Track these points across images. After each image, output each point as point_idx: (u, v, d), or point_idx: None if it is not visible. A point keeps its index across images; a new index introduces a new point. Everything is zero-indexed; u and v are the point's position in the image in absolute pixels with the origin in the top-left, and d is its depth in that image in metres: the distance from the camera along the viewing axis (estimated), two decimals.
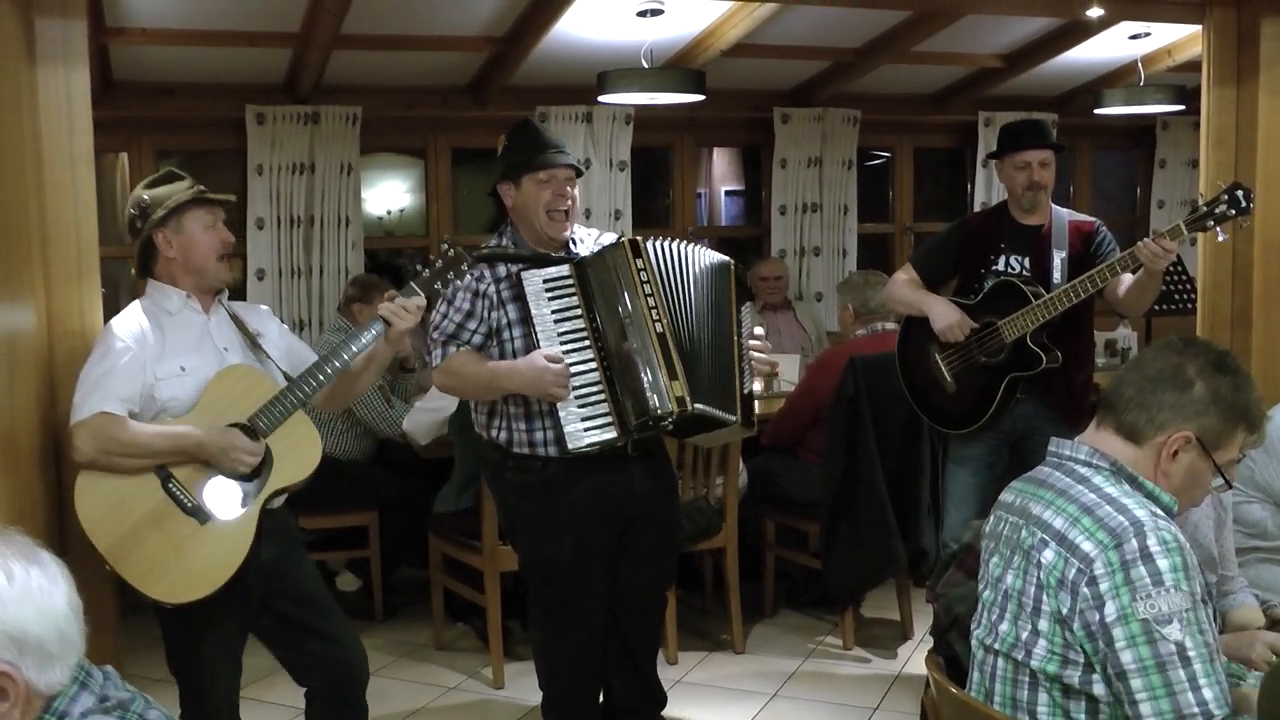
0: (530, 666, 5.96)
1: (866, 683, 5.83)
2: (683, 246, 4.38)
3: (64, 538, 4.15)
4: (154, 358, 3.89)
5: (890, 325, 6.40)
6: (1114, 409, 2.82)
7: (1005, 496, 3.01)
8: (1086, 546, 2.62)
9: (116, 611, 4.39)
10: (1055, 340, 5.22)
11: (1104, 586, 2.57)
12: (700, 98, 6.75)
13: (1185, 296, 8.09)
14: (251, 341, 4.07)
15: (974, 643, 2.95)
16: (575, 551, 4.37)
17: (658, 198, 9.95)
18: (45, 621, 2.07)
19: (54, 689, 2.10)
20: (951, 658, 3.25)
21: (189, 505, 3.85)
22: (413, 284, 4.04)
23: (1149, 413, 2.76)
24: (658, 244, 4.32)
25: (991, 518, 3.03)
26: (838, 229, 9.30)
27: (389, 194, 12.48)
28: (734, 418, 4.31)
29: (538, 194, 4.31)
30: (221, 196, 4.09)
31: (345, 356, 3.95)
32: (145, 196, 3.98)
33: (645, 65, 6.72)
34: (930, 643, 3.45)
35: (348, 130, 7.83)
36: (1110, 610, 2.56)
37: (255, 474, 3.88)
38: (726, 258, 4.47)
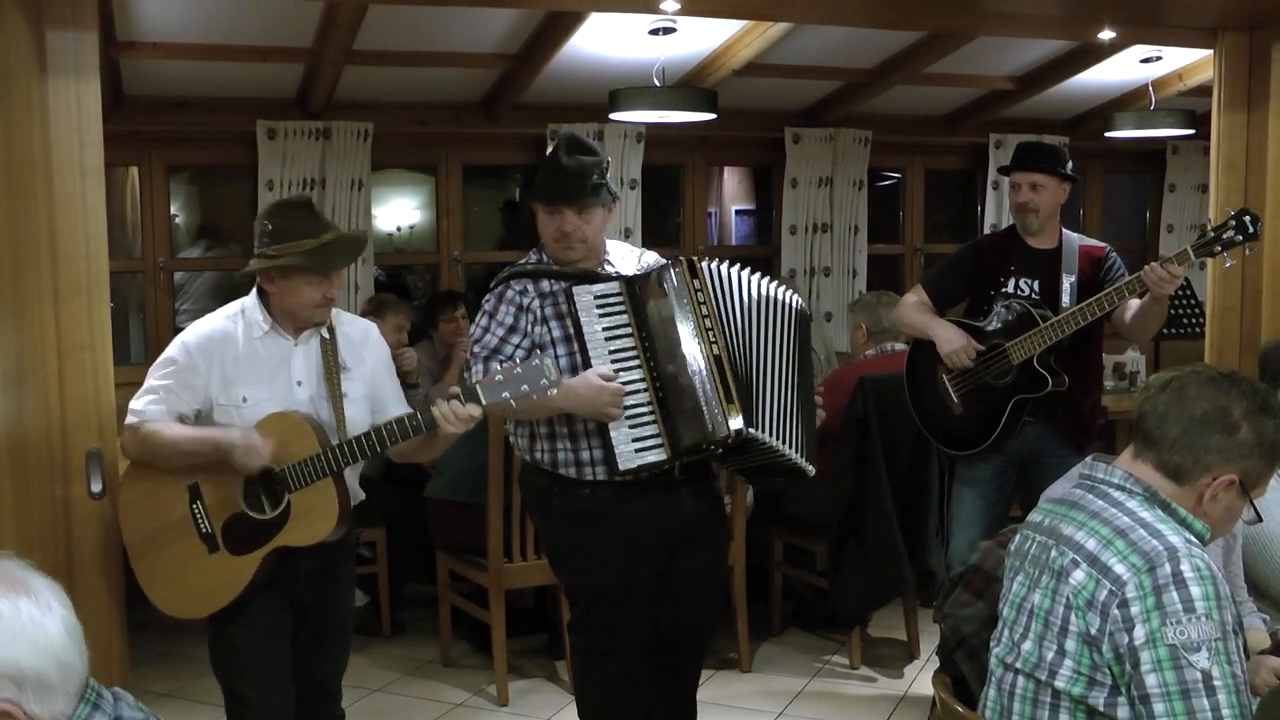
0: (536, 684, 5.99)
1: (873, 702, 5.82)
2: (742, 272, 4.26)
3: (70, 555, 4.15)
4: (220, 383, 3.95)
5: (900, 346, 6.40)
6: (1155, 445, 2.79)
7: (1034, 517, 3.00)
8: (1119, 569, 2.62)
9: (124, 628, 4.39)
10: (1064, 364, 5.21)
11: (1135, 610, 2.57)
12: (712, 116, 6.75)
13: (1194, 321, 8.09)
14: (330, 376, 4.01)
15: (993, 660, 2.94)
16: (622, 577, 4.24)
17: (668, 216, 9.95)
18: (40, 654, 2.07)
19: (61, 718, 2.10)
20: (958, 677, 3.25)
21: (203, 530, 3.93)
22: (479, 389, 3.80)
23: (1195, 455, 2.74)
24: (714, 266, 4.22)
25: (1018, 536, 3.01)
26: (848, 249, 9.29)
27: (399, 210, 12.50)
28: (811, 467, 4.24)
29: (547, 222, 4.22)
30: (350, 254, 4.07)
31: (387, 439, 3.85)
32: (270, 226, 3.94)
33: (657, 83, 6.72)
34: (937, 662, 3.44)
35: (359, 146, 7.82)
36: (1139, 634, 2.55)
37: (272, 523, 3.89)
38: (802, 302, 4.39)
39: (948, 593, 3.43)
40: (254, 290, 4.05)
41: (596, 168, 4.19)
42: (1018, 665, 2.81)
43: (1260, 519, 2.92)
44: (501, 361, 4.09)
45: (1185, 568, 2.57)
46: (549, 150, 4.29)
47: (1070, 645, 2.68)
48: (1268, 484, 2.86)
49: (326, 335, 4.04)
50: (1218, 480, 2.75)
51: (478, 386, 3.79)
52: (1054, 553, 2.78)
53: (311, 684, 4.20)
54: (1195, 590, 2.55)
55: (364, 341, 4.18)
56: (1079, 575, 2.68)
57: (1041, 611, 2.76)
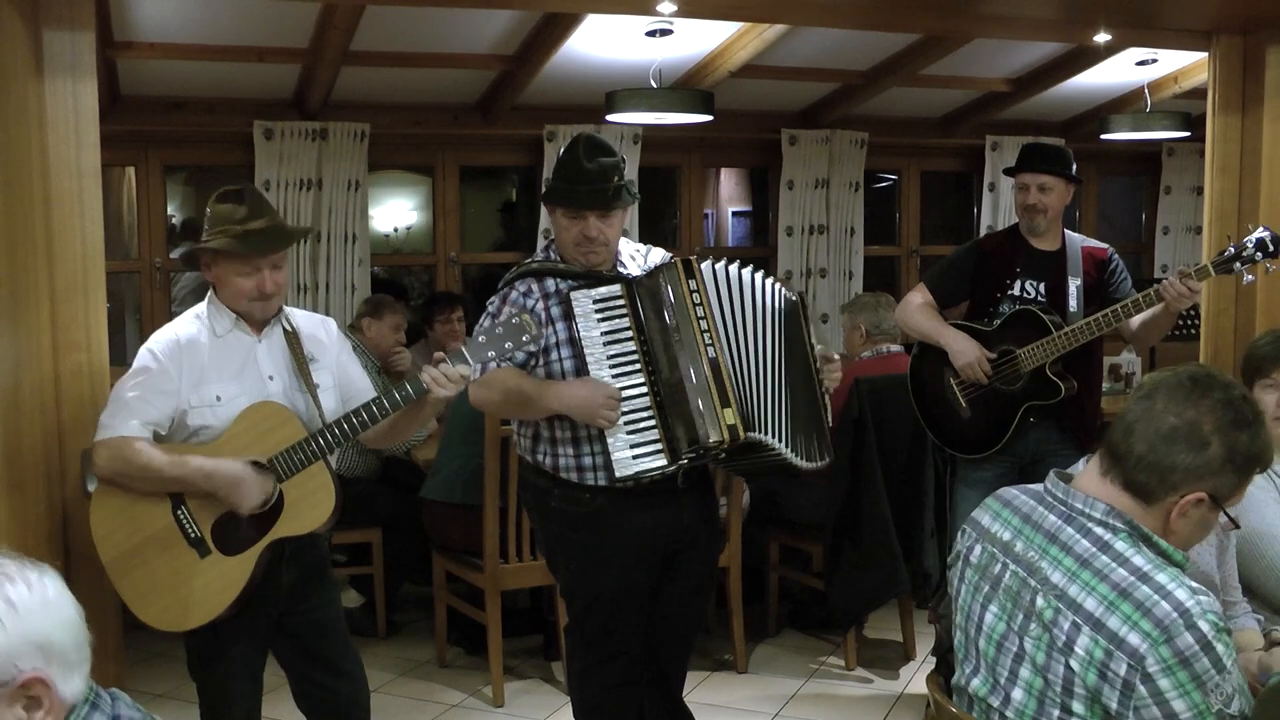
0: (531, 685, 5.98)
1: (869, 703, 5.82)
2: (740, 270, 4.16)
3: (67, 554, 4.15)
4: (191, 383, 3.87)
5: (894, 348, 6.41)
6: (1122, 462, 2.62)
7: (999, 532, 2.82)
8: (1133, 640, 2.46)
9: (120, 629, 4.39)
10: (1068, 367, 5.20)
11: (1164, 683, 2.43)
12: (708, 118, 6.75)
13: (1189, 323, 8.07)
14: (301, 368, 3.97)
15: (969, 692, 2.81)
16: (621, 582, 4.21)
17: (665, 218, 9.96)
18: (66, 630, 2.09)
19: (74, 699, 2.11)
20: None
21: (193, 536, 3.85)
22: (464, 350, 3.82)
23: (1160, 474, 2.57)
24: (713, 265, 4.12)
25: (977, 548, 2.87)
26: (844, 251, 9.29)
27: (396, 211, 12.50)
28: (806, 463, 4.17)
29: (568, 227, 4.13)
30: (278, 242, 3.95)
31: (377, 413, 3.85)
32: (210, 212, 3.91)
33: (654, 85, 6.71)
34: (932, 663, 3.44)
35: (356, 147, 7.83)
36: (1181, 707, 2.43)
37: (264, 516, 3.84)
38: (793, 294, 4.27)
39: (943, 594, 3.42)
40: (209, 294, 4.01)
41: (616, 169, 4.13)
42: (1009, 715, 2.67)
43: (1238, 526, 2.78)
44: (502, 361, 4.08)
45: (1204, 628, 2.44)
46: (562, 152, 4.20)
47: (1078, 708, 2.56)
48: (1244, 493, 2.68)
49: (289, 328, 4.02)
50: (1185, 500, 2.59)
51: (462, 348, 3.83)
52: (1040, 601, 2.62)
53: (338, 703, 4.18)
54: (1220, 647, 2.44)
55: (319, 331, 4.16)
56: (1084, 641, 2.53)
57: (1037, 666, 2.62)
